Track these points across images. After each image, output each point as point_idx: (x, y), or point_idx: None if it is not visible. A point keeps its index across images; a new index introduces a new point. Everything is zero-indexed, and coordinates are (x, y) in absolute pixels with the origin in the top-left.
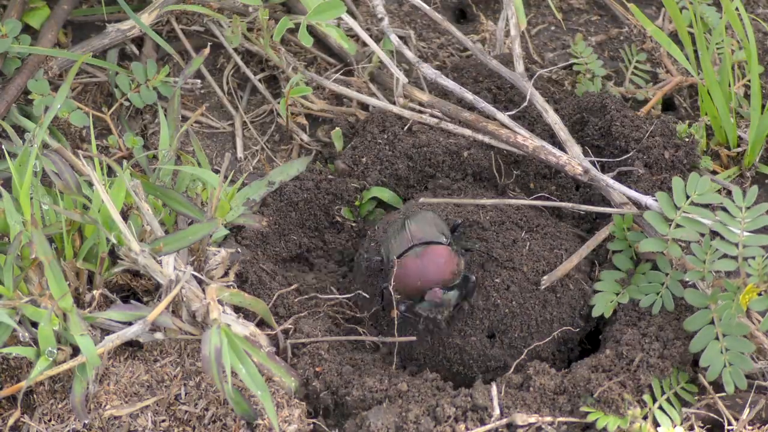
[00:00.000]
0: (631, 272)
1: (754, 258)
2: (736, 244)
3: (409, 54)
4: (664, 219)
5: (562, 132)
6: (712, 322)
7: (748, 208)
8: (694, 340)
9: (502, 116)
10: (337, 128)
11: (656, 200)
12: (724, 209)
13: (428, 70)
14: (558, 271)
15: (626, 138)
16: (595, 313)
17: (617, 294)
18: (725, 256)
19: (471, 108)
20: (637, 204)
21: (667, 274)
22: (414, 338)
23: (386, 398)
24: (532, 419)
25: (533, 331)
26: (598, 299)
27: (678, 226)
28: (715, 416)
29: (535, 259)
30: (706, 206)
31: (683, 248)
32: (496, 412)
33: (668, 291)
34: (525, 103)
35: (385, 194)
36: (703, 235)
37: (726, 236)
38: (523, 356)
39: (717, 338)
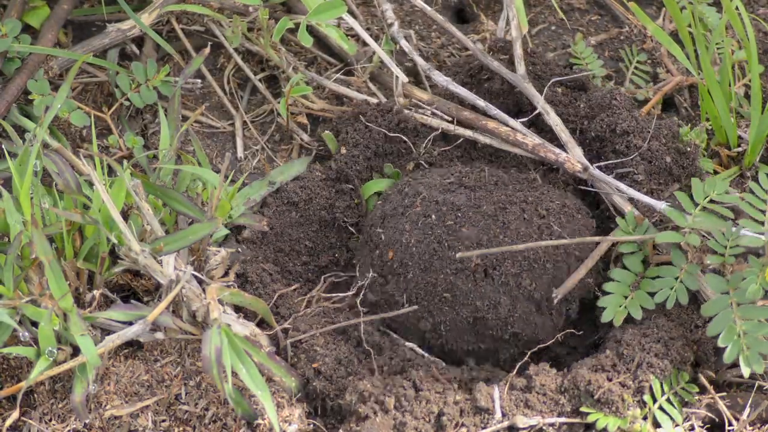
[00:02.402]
0: (641, 275)
1: None
2: (762, 223)
3: (420, 60)
4: (682, 213)
5: (563, 133)
6: (730, 307)
7: None
8: (711, 324)
9: (515, 123)
10: (326, 131)
11: (669, 205)
12: (751, 191)
13: (439, 77)
14: (568, 283)
15: (630, 140)
16: (604, 319)
17: (626, 297)
18: (750, 234)
19: (472, 107)
20: (648, 209)
21: (681, 268)
22: (416, 307)
23: (380, 403)
24: (533, 421)
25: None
26: (607, 302)
27: (698, 218)
28: (714, 416)
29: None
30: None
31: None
32: (498, 414)
33: (682, 285)
34: (537, 110)
35: (383, 184)
36: (724, 231)
37: (752, 215)
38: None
39: (734, 322)
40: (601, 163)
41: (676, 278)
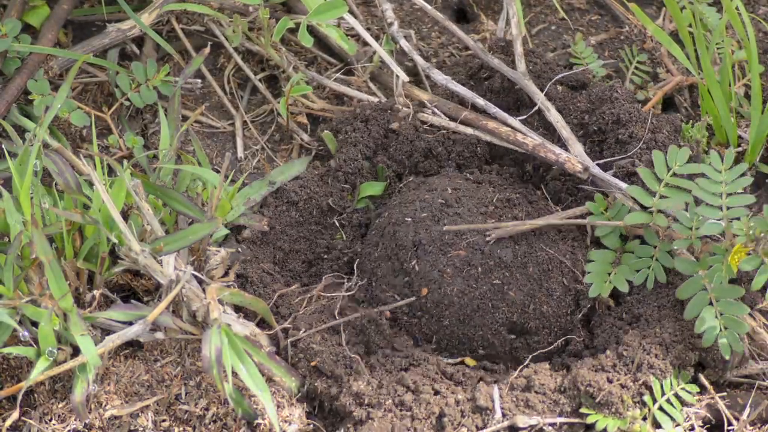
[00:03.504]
0: (621, 251)
1: (738, 219)
2: (720, 207)
3: (419, 59)
4: (647, 192)
5: (564, 130)
6: (704, 289)
7: (727, 170)
8: (688, 307)
9: (514, 121)
10: (326, 131)
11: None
12: (704, 175)
13: (439, 76)
14: (503, 231)
15: (633, 131)
16: (592, 294)
17: (609, 274)
18: (710, 221)
19: (472, 106)
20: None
21: (655, 247)
22: (414, 298)
23: (377, 405)
24: (534, 421)
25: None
26: (592, 278)
27: (662, 197)
28: (714, 417)
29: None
30: (688, 177)
31: (669, 219)
32: (498, 414)
33: (658, 263)
34: (536, 106)
35: (376, 188)
36: (688, 204)
37: (709, 201)
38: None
39: (710, 303)
40: (602, 161)
41: (652, 257)
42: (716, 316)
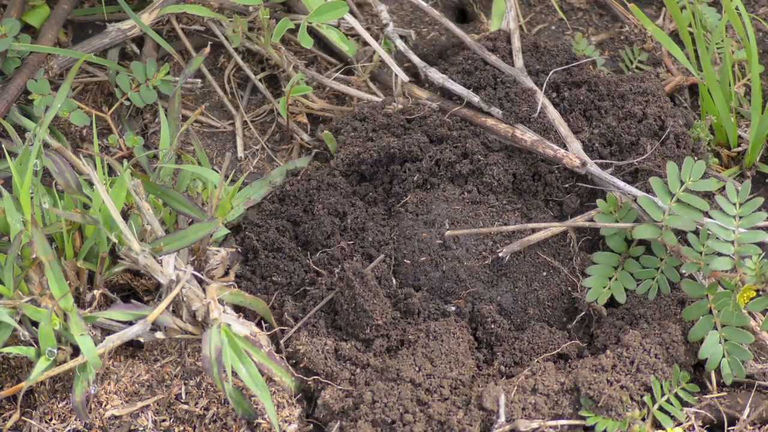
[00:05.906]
0: (625, 255)
1: (750, 257)
2: (732, 242)
3: (416, 59)
4: (657, 205)
5: (562, 128)
6: (710, 312)
7: (742, 204)
8: (693, 329)
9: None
10: (326, 131)
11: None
12: (718, 207)
13: (436, 75)
14: (515, 244)
15: (648, 108)
16: (589, 298)
17: (610, 278)
18: (721, 254)
19: (470, 105)
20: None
21: (662, 259)
22: (383, 257)
23: (352, 416)
24: (535, 424)
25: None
26: (591, 282)
27: (672, 213)
28: (714, 417)
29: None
30: (701, 194)
31: (678, 235)
32: (502, 418)
33: (664, 276)
34: (538, 110)
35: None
36: (699, 226)
37: (720, 235)
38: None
39: (715, 328)
40: (601, 161)
41: (657, 268)
42: (720, 341)
